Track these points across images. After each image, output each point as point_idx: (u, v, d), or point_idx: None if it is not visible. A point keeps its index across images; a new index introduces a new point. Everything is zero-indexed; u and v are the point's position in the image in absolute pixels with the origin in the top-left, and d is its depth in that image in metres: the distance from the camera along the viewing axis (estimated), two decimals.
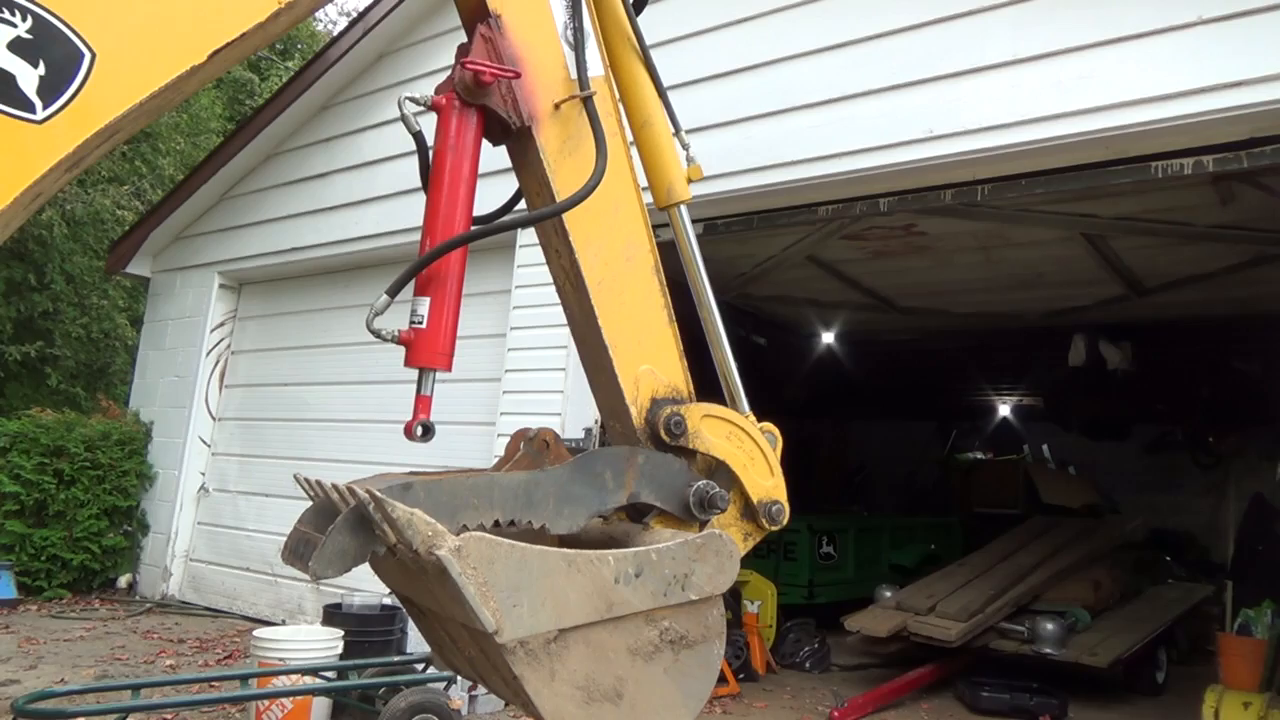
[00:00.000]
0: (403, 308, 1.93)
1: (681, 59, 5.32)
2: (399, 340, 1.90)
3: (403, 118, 1.90)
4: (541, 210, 1.99)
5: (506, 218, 2.09)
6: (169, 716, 4.75)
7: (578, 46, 2.02)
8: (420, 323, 1.90)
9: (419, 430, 1.90)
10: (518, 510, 1.82)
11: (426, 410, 1.92)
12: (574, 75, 2.01)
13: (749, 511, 2.15)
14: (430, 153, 1.97)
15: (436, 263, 1.89)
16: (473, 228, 1.97)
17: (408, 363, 1.92)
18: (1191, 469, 11.92)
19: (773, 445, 2.18)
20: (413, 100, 1.91)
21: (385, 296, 1.91)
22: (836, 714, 5.57)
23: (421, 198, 2.03)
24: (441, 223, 1.92)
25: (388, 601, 5.55)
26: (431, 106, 1.93)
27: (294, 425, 8.19)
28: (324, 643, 4.75)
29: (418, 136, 1.97)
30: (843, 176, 5.03)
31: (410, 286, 1.90)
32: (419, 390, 1.93)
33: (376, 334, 1.88)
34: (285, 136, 8.43)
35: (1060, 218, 6.14)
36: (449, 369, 1.93)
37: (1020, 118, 4.46)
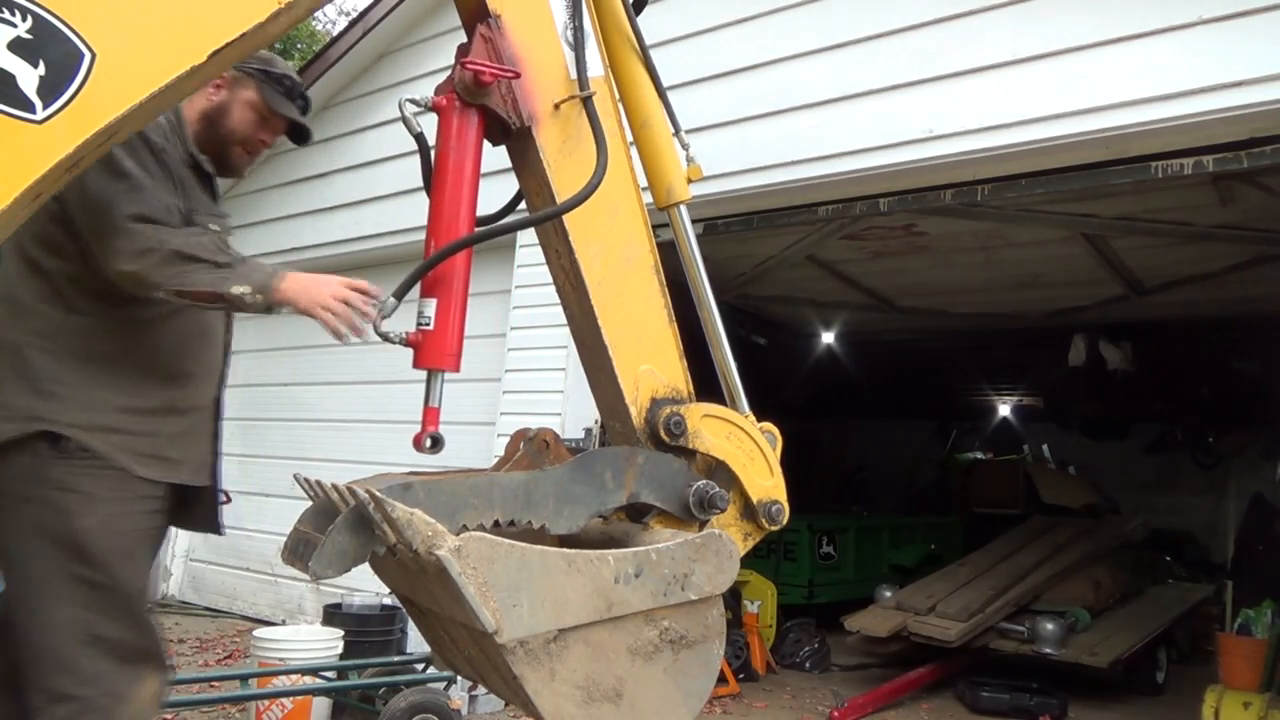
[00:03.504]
0: (409, 308, 1.93)
1: (682, 59, 5.31)
2: (406, 342, 1.90)
3: (403, 119, 1.90)
4: (544, 211, 1.99)
5: (509, 219, 2.09)
6: (169, 716, 4.75)
7: (578, 46, 2.02)
8: (428, 324, 1.90)
9: (428, 442, 1.89)
10: (517, 510, 1.82)
11: (435, 422, 1.92)
12: (574, 75, 2.01)
13: (749, 511, 2.15)
14: (432, 154, 1.97)
15: (442, 264, 1.89)
16: (476, 229, 1.97)
17: (416, 364, 1.91)
18: (1191, 469, 11.90)
19: (772, 445, 2.18)
20: (413, 102, 1.91)
21: (392, 299, 1.91)
22: (836, 714, 5.57)
23: (422, 197, 2.03)
24: (445, 224, 1.92)
25: (388, 601, 5.55)
26: (432, 107, 1.93)
27: (294, 425, 8.17)
28: (324, 643, 4.75)
29: (419, 138, 1.97)
30: (843, 176, 5.02)
31: (414, 287, 1.90)
32: (427, 400, 1.91)
33: (384, 336, 1.89)
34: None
35: (1060, 218, 6.14)
36: (458, 370, 1.92)
37: (1020, 118, 4.46)
